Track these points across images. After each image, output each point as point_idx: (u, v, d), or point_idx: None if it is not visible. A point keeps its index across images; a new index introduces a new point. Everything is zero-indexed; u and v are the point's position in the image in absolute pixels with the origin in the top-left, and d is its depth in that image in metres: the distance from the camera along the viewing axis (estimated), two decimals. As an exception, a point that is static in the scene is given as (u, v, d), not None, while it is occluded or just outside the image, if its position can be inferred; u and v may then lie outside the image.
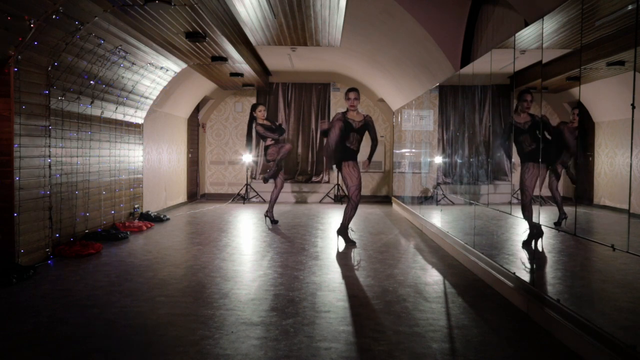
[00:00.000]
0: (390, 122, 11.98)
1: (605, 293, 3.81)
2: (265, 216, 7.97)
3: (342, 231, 6.19)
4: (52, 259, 5.18)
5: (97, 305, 3.72)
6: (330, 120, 6.29)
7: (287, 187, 11.80)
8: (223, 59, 7.58)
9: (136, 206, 7.88)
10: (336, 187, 11.60)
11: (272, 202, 7.87)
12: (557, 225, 4.14)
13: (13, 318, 3.47)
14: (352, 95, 6.15)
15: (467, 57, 6.43)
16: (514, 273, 3.97)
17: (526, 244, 4.47)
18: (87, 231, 6.26)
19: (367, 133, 6.27)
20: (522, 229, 4.93)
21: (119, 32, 5.73)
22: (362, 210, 10.24)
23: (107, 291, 4.10)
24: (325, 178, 12.04)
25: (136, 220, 7.66)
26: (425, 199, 8.47)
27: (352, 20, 6.92)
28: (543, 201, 4.37)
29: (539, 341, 3.13)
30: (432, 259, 5.52)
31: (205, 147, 12.18)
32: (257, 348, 2.96)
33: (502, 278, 4.13)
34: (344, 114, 6.14)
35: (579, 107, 4.03)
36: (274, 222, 7.88)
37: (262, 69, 10.34)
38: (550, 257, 4.36)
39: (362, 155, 6.70)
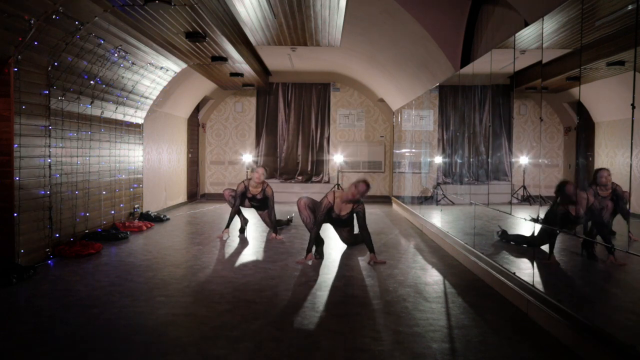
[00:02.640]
0: (390, 122, 11.98)
1: (605, 293, 3.81)
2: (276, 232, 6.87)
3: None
4: (52, 259, 5.17)
5: (97, 305, 3.72)
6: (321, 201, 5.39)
7: (288, 187, 11.81)
8: (223, 59, 7.58)
9: (136, 206, 7.88)
10: (336, 187, 11.60)
11: (273, 223, 6.81)
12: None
13: (13, 318, 3.47)
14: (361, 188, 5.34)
15: (467, 57, 6.43)
16: (514, 273, 3.97)
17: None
18: (87, 231, 6.26)
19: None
20: (523, 229, 4.93)
21: (119, 32, 5.73)
22: (362, 210, 10.24)
23: (107, 291, 4.09)
24: (326, 178, 12.04)
25: (136, 220, 7.66)
26: (425, 199, 8.47)
27: (352, 20, 6.92)
28: (543, 201, 4.37)
29: (539, 341, 3.13)
30: (432, 259, 5.52)
31: (205, 147, 12.18)
32: (257, 348, 2.96)
33: (502, 278, 4.13)
34: (332, 205, 5.36)
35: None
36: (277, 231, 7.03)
37: (262, 69, 10.34)
38: (549, 257, 4.35)
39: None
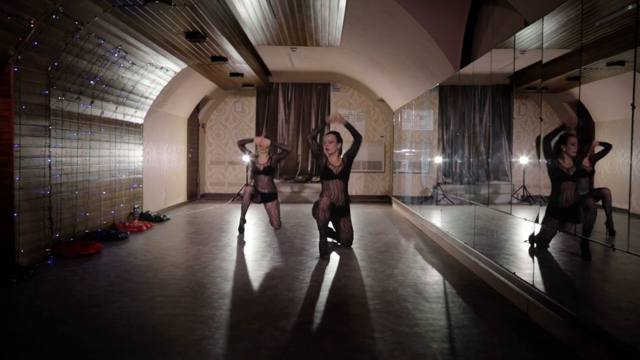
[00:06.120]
0: (390, 122, 11.98)
1: (605, 293, 3.81)
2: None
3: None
4: (52, 259, 5.17)
5: (97, 305, 3.72)
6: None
7: (288, 187, 11.81)
8: (223, 59, 7.58)
9: (136, 206, 7.88)
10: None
11: (276, 218, 7.46)
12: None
13: (13, 318, 3.47)
14: (329, 137, 5.85)
15: (467, 57, 6.43)
16: (514, 273, 3.97)
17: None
18: (87, 231, 6.26)
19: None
20: (523, 229, 4.93)
21: (119, 32, 5.73)
22: (362, 210, 10.25)
23: (107, 291, 4.09)
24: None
25: (136, 220, 7.66)
26: (425, 199, 8.47)
27: (352, 20, 6.92)
28: (543, 201, 4.37)
29: (539, 341, 3.13)
30: (432, 259, 5.52)
31: (205, 147, 12.18)
32: (257, 348, 2.96)
33: (502, 278, 4.13)
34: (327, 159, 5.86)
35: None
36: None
37: (262, 69, 10.34)
38: (550, 257, 4.36)
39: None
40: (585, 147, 3.94)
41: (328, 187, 5.85)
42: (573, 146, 3.87)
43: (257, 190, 7.29)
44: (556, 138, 4.00)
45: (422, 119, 8.77)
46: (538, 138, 4.18)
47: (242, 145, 7.40)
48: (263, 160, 7.32)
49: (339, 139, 5.89)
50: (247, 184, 11.47)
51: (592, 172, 3.92)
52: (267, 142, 7.30)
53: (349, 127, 5.90)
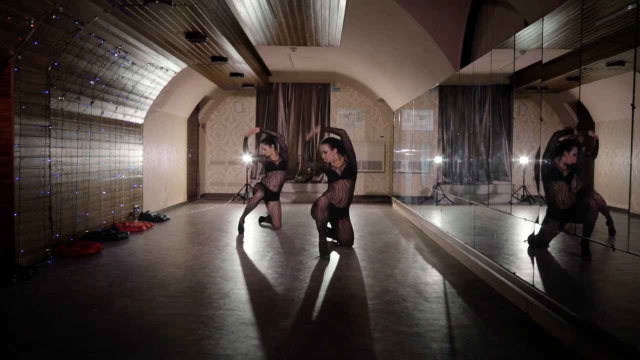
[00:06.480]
0: (390, 122, 11.98)
1: (605, 293, 3.81)
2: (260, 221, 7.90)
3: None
4: (52, 259, 5.17)
5: (97, 305, 3.72)
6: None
7: (288, 187, 11.81)
8: (223, 59, 7.58)
9: (136, 206, 7.88)
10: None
11: (278, 218, 7.61)
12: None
13: (13, 318, 3.47)
14: (325, 147, 5.81)
15: (467, 57, 6.43)
16: (514, 273, 3.97)
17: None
18: (87, 231, 6.26)
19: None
20: (523, 229, 4.93)
21: (119, 32, 5.73)
22: (362, 210, 10.25)
23: (107, 291, 4.10)
24: (325, 178, 12.04)
25: (136, 220, 7.66)
26: (425, 199, 8.47)
27: (352, 20, 6.92)
28: (543, 201, 4.38)
29: (539, 341, 3.13)
30: (432, 259, 5.52)
31: (205, 147, 12.18)
32: (257, 348, 2.96)
33: (502, 278, 4.13)
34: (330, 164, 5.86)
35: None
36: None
37: (262, 69, 10.34)
38: (550, 257, 4.36)
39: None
40: (585, 154, 4.00)
41: (333, 188, 5.83)
42: (574, 156, 3.95)
43: (268, 189, 7.35)
44: (562, 138, 4.06)
45: (422, 119, 8.77)
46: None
47: (245, 145, 7.62)
48: (275, 157, 7.45)
49: (333, 145, 5.81)
50: (247, 184, 11.49)
51: (580, 170, 4.00)
52: (257, 129, 7.70)
53: (327, 130, 6.03)
